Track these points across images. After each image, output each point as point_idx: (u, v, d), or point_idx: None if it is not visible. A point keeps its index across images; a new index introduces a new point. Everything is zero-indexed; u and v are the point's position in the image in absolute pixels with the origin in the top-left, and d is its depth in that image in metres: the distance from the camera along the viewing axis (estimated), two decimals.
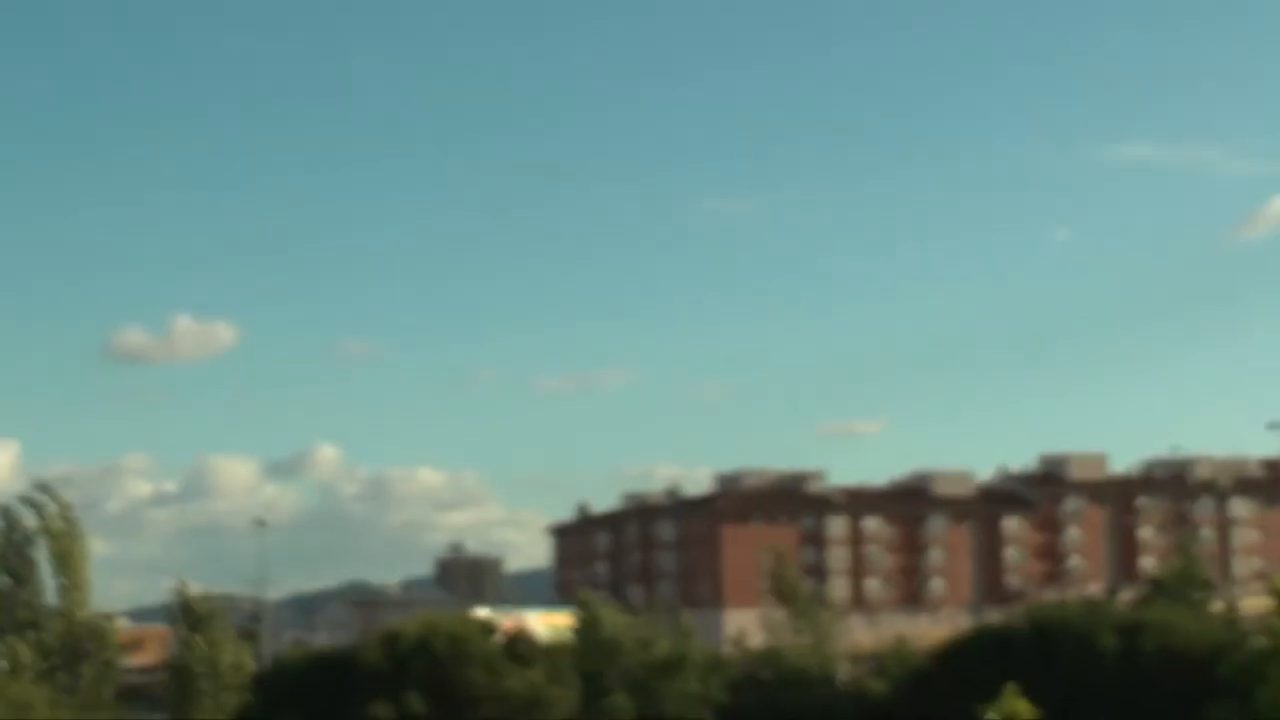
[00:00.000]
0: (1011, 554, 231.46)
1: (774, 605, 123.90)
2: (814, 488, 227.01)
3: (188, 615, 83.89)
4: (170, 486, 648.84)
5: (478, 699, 66.09)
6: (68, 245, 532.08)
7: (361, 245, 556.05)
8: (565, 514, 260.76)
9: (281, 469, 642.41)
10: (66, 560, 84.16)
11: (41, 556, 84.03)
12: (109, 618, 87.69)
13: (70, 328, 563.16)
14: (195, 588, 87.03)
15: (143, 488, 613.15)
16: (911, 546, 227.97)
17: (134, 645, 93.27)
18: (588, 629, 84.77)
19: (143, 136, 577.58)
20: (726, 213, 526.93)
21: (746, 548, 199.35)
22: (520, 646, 72.66)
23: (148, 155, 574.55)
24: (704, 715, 71.06)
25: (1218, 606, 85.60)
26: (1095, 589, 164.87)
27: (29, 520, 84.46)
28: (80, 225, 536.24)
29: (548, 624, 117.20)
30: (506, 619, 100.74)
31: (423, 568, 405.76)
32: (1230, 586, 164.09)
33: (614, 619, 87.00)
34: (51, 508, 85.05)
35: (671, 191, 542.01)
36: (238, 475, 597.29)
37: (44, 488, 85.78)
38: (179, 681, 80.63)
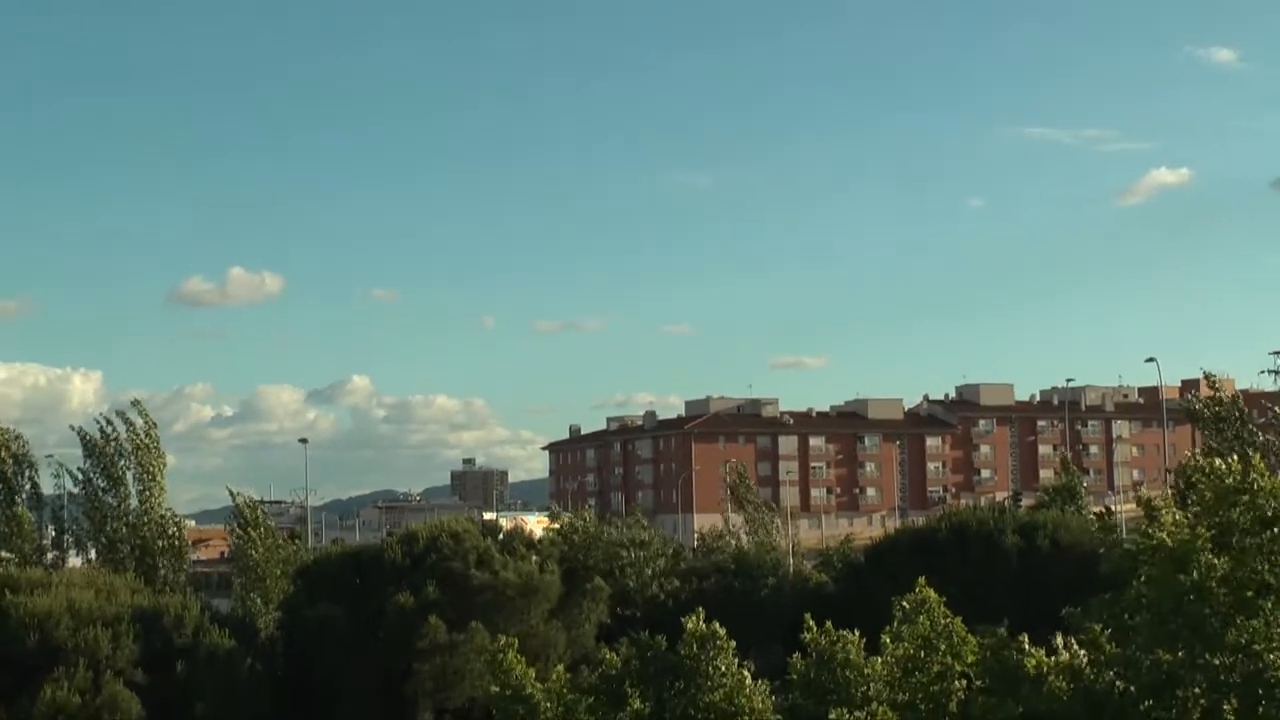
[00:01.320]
0: (933, 468, 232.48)
1: (734, 510, 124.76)
2: (768, 412, 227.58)
3: (241, 517, 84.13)
4: (228, 410, 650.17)
5: (484, 587, 66.12)
6: (141, 208, 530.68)
7: (387, 209, 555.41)
8: (559, 434, 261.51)
9: (321, 396, 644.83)
10: (147, 469, 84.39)
11: (127, 465, 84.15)
12: (181, 518, 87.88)
13: (143, 278, 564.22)
14: (249, 495, 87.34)
15: (204, 412, 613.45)
16: (850, 461, 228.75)
17: (198, 543, 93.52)
18: (569, 531, 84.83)
19: (200, 114, 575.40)
20: (691, 184, 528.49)
21: (711, 463, 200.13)
22: (514, 542, 72.64)
23: (205, 130, 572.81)
24: (674, 596, 71.07)
25: (1101, 509, 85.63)
26: (1002, 496, 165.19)
27: (118, 434, 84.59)
28: (150, 190, 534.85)
29: (544, 525, 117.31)
30: (509, 520, 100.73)
31: (440, 478, 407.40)
32: (1113, 494, 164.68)
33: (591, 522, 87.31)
34: (137, 424, 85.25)
35: (645, 167, 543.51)
36: (284, 401, 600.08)
37: (131, 408, 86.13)
38: (240, 571, 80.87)
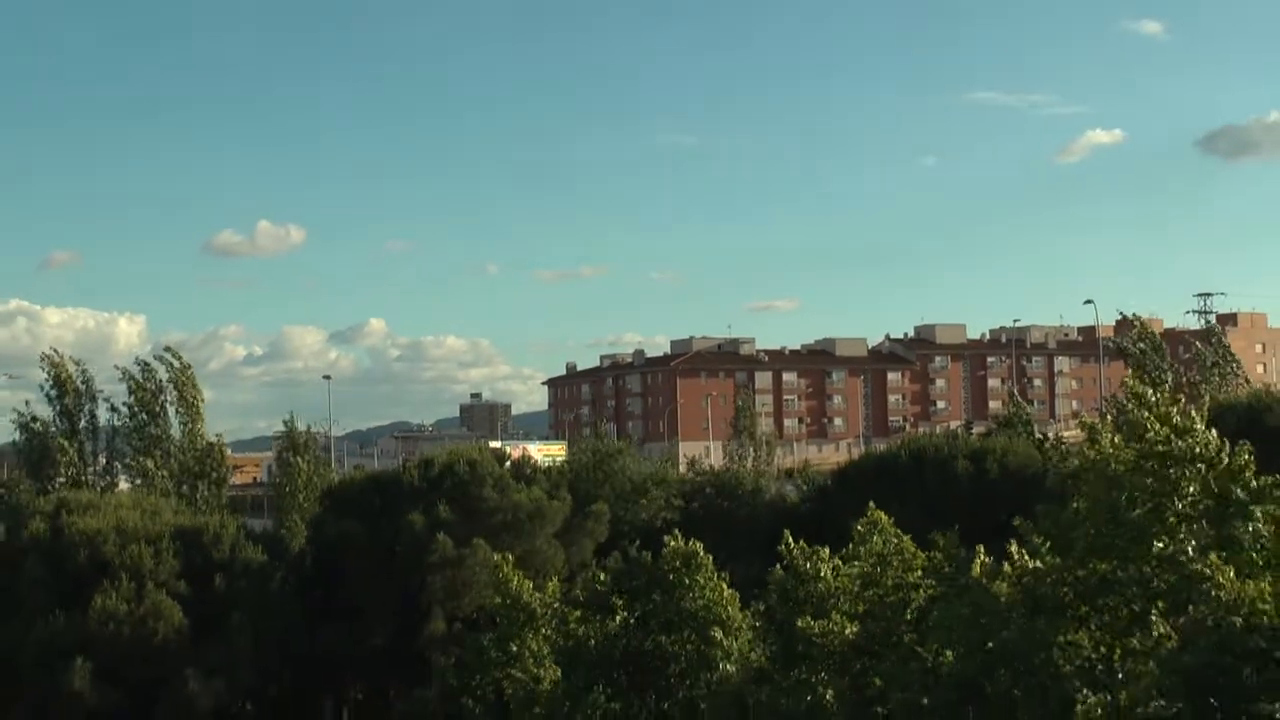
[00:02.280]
0: (894, 400, 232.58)
1: (717, 438, 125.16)
2: (745, 350, 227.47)
3: (291, 441, 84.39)
4: (258, 350, 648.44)
5: (492, 509, 66.30)
6: (178, 168, 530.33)
7: (401, 168, 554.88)
8: (557, 371, 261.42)
9: (342, 337, 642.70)
10: (188, 402, 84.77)
11: (169, 400, 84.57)
12: (224, 444, 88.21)
13: (180, 231, 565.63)
14: (278, 427, 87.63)
15: (237, 351, 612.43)
16: (819, 394, 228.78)
17: (233, 469, 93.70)
18: (577, 455, 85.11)
19: (228, 81, 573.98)
20: (677, 144, 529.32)
21: (695, 396, 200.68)
22: (524, 469, 72.82)
23: (235, 95, 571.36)
24: (664, 518, 71.41)
25: (1041, 437, 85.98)
26: (955, 425, 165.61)
27: (161, 372, 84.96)
28: (186, 151, 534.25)
29: (545, 453, 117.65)
30: (513, 449, 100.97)
31: (450, 411, 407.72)
32: (1055, 423, 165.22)
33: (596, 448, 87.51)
34: (176, 363, 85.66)
35: (636, 129, 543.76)
36: (308, 342, 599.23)
37: (170, 349, 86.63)
38: (278, 492, 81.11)
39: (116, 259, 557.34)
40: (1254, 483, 27.31)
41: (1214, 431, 28.47)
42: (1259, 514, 26.96)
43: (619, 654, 48.92)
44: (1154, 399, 28.78)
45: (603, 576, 51.24)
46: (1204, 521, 27.66)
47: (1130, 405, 29.55)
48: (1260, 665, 23.86)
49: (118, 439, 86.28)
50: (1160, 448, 27.91)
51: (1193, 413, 28.98)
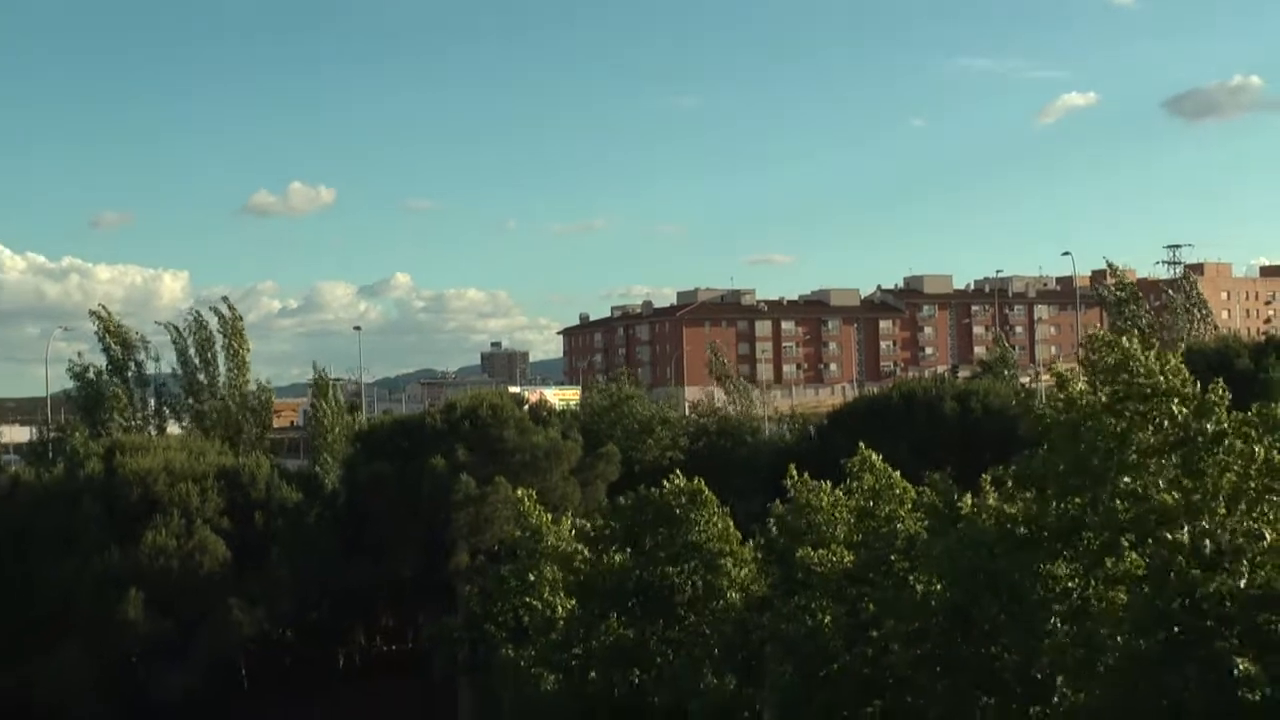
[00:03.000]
0: (885, 346, 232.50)
1: (718, 384, 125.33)
2: (746, 301, 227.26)
3: (318, 388, 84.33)
4: (292, 303, 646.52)
5: (511, 450, 66.34)
6: (216, 133, 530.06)
7: (423, 131, 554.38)
8: (571, 320, 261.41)
9: (370, 290, 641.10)
10: (235, 351, 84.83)
11: (218, 348, 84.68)
12: (270, 390, 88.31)
13: (219, 193, 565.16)
14: (311, 375, 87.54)
15: (272, 304, 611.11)
16: (815, 341, 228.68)
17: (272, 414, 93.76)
18: (592, 401, 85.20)
19: (263, 50, 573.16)
20: (681, 106, 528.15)
21: (699, 343, 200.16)
22: (541, 412, 72.89)
23: (267, 62, 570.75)
24: (670, 457, 71.46)
25: (1020, 384, 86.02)
26: (942, 369, 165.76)
27: (213, 322, 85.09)
28: (223, 117, 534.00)
29: (560, 397, 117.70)
30: (531, 394, 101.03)
31: (472, 359, 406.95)
32: (1035, 367, 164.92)
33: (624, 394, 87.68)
34: (228, 314, 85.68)
35: (642, 91, 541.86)
36: (339, 295, 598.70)
37: (226, 299, 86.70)
38: (313, 434, 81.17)
39: (161, 219, 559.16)
40: (1224, 419, 27.24)
41: (1185, 369, 28.50)
42: (1227, 448, 26.91)
43: (630, 585, 49.05)
44: (1132, 341, 28.78)
45: (620, 511, 51.37)
46: (1173, 456, 27.63)
47: (1104, 349, 29.45)
48: (1218, 606, 23.80)
49: (167, 385, 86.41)
50: (1140, 381, 27.85)
51: (1169, 355, 28.97)
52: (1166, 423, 27.74)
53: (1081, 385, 29.21)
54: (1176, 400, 27.71)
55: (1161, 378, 27.89)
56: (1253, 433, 26.76)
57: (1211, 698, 23.44)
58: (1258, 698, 22.91)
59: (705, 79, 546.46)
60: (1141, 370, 28.02)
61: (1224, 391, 27.75)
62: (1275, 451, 26.52)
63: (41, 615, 59.37)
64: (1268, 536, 24.43)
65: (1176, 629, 24.11)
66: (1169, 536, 25.39)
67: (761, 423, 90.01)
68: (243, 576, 61.44)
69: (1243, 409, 27.68)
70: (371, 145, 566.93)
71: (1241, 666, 22.88)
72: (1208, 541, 25.01)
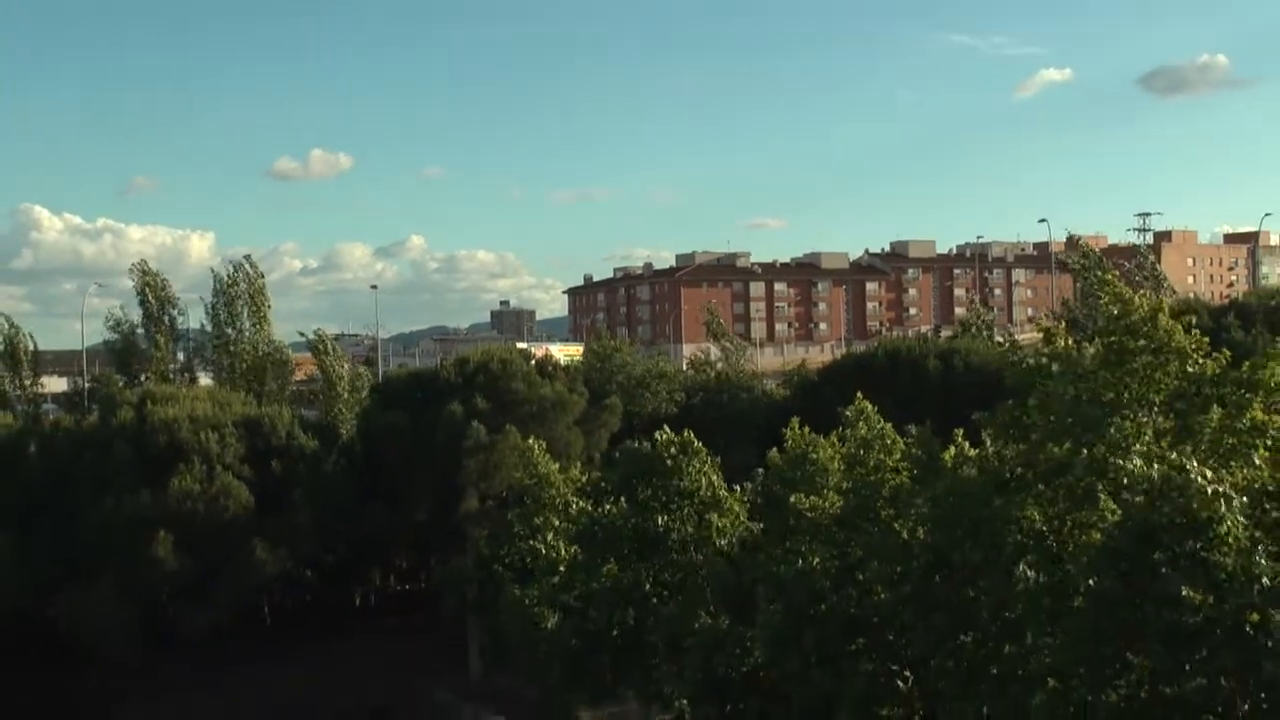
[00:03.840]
0: (871, 306, 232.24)
1: (713, 341, 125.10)
2: (741, 263, 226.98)
3: (318, 347, 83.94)
4: (313, 263, 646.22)
5: (520, 401, 66.27)
6: (242, 103, 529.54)
7: (436, 104, 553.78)
8: (576, 281, 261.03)
9: (386, 251, 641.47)
10: (258, 308, 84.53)
11: (241, 305, 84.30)
12: (286, 347, 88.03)
13: (244, 158, 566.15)
14: (331, 330, 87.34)
15: (294, 264, 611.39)
16: (806, 302, 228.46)
17: (295, 366, 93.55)
18: (594, 355, 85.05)
19: (286, 24, 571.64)
20: (678, 83, 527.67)
21: (696, 303, 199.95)
22: (548, 366, 72.76)
23: (290, 35, 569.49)
24: (667, 410, 71.45)
25: (1005, 337, 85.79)
26: (925, 329, 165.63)
27: (240, 282, 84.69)
28: (248, 88, 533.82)
29: (565, 353, 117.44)
30: (538, 349, 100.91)
31: (482, 316, 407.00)
32: (1012, 327, 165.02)
33: (616, 348, 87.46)
34: (251, 272, 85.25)
35: (639, 68, 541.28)
36: (357, 256, 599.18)
37: (248, 258, 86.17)
38: (327, 388, 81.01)
39: (190, 183, 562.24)
40: (1218, 378, 27.23)
41: (1190, 328, 28.49)
42: (1219, 408, 26.90)
43: (627, 531, 49.12)
44: (1136, 298, 28.77)
45: (619, 462, 51.41)
46: (1168, 413, 27.62)
47: (1109, 303, 29.34)
48: (1176, 545, 23.83)
49: (195, 339, 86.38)
50: (1144, 335, 27.82)
51: (1164, 303, 28.97)
52: (1165, 376, 27.71)
53: (1069, 341, 29.20)
54: (1180, 357, 27.70)
55: (1166, 334, 27.87)
56: (1244, 393, 26.71)
57: (1163, 626, 23.46)
58: (1205, 624, 23.10)
59: (701, 54, 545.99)
60: (1148, 325, 27.96)
61: (1227, 355, 27.74)
62: (1262, 412, 26.59)
63: (79, 554, 59.50)
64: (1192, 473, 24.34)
65: (1132, 567, 24.21)
66: (1144, 487, 25.30)
67: (757, 379, 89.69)
68: (264, 520, 61.45)
69: None
70: (388, 116, 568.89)
71: (1186, 594, 23.00)
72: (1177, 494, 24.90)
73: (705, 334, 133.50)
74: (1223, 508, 23.52)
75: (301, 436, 66.33)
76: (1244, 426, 26.42)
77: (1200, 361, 27.75)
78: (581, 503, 51.63)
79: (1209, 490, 23.69)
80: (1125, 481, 25.87)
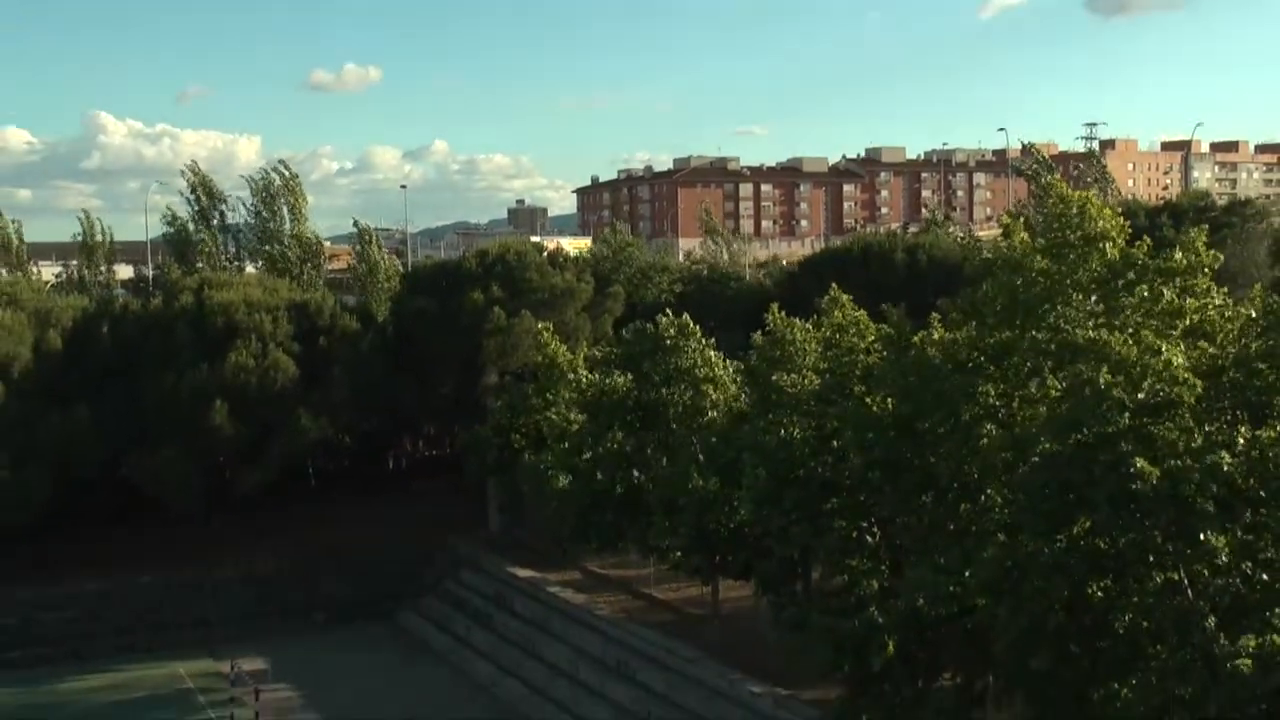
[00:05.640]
0: (848, 206, 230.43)
1: (705, 237, 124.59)
2: (731, 167, 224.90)
3: (363, 237, 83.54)
4: (348, 165, 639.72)
5: (534, 289, 66.12)
6: (284, 18, 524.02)
7: (455, 21, 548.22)
8: (584, 181, 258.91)
9: (414, 154, 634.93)
10: (296, 205, 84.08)
11: (280, 203, 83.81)
12: (321, 238, 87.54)
13: (286, 71, 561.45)
14: (367, 224, 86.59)
15: (331, 166, 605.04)
16: (789, 202, 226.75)
17: (331, 257, 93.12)
18: (606, 247, 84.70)
19: None
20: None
21: (692, 202, 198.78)
22: (559, 258, 72.47)
23: None
24: (665, 298, 71.22)
25: (964, 235, 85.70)
26: (895, 226, 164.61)
27: (276, 181, 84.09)
28: (288, 3, 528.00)
29: (574, 246, 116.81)
30: (550, 243, 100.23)
31: (500, 213, 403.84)
32: (972, 224, 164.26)
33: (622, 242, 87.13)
34: (287, 173, 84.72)
35: None
36: (387, 158, 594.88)
37: (283, 162, 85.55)
38: (369, 274, 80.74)
39: (238, 92, 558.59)
40: (1140, 265, 27.23)
41: (1121, 220, 28.56)
42: (1141, 289, 26.93)
43: (630, 403, 49.35)
44: (1077, 193, 28.85)
45: (623, 342, 51.52)
46: (1096, 296, 27.64)
47: (1054, 201, 29.31)
48: (1118, 411, 23.96)
49: (243, 233, 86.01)
50: (1076, 226, 27.86)
51: (1105, 206, 28.95)
52: (1096, 263, 27.74)
53: (1024, 236, 29.16)
54: (1108, 244, 27.73)
55: (1097, 223, 27.86)
56: (1159, 280, 26.77)
57: (1110, 489, 23.75)
58: (1149, 490, 23.26)
59: None
60: (1079, 216, 27.95)
61: (1149, 243, 27.73)
62: (1176, 296, 26.62)
63: (147, 421, 59.81)
64: (1165, 353, 24.34)
65: (1086, 434, 24.31)
66: (1083, 367, 25.35)
67: (744, 269, 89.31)
68: (309, 392, 61.69)
69: None
70: (412, 32, 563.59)
71: (1138, 465, 23.11)
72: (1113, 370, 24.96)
73: (700, 230, 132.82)
74: (1184, 393, 23.60)
75: (343, 318, 66.32)
76: (1162, 309, 26.49)
77: (1120, 245, 27.82)
78: (591, 377, 51.80)
79: (1170, 366, 23.79)
80: (1087, 351, 25.82)
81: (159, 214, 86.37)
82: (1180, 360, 24.08)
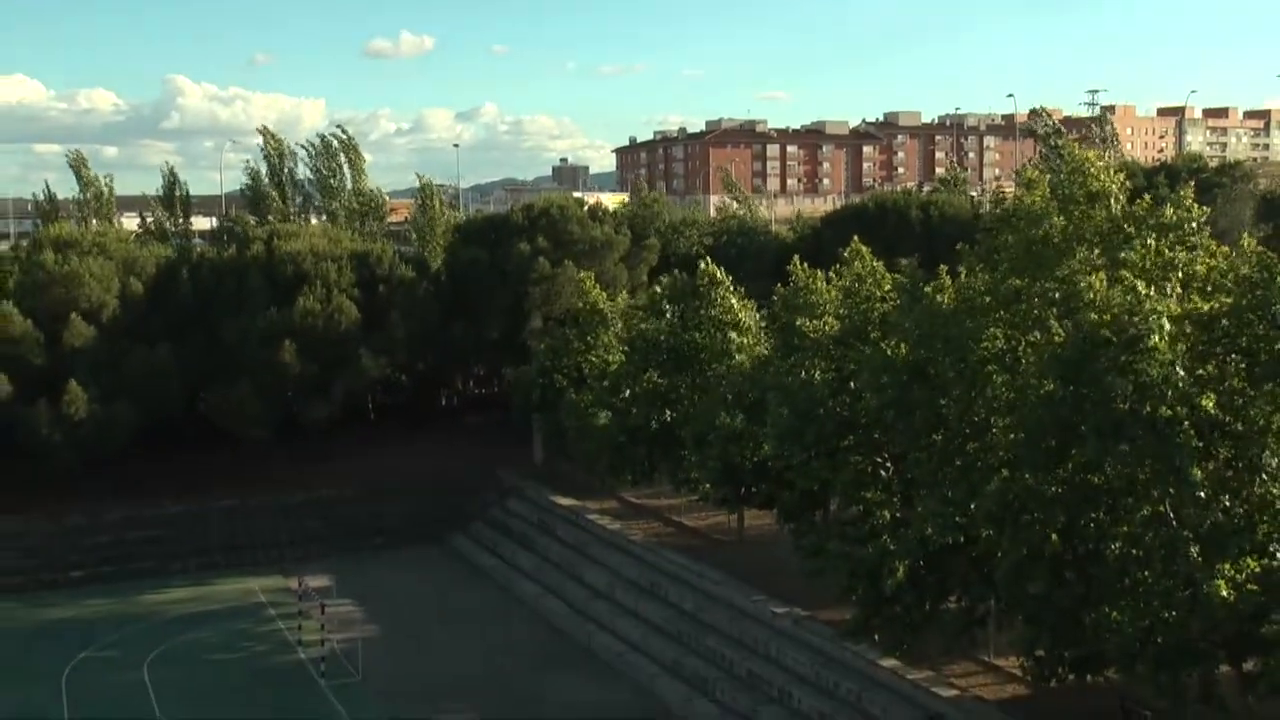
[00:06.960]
0: (867, 166, 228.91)
1: (725, 192, 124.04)
2: (760, 129, 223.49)
3: (425, 191, 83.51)
4: (404, 126, 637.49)
5: (576, 240, 66.10)
6: None
7: None
8: (622, 142, 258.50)
9: (465, 116, 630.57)
10: (355, 163, 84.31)
11: (342, 160, 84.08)
12: (383, 193, 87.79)
13: (347, 38, 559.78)
14: (427, 179, 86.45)
15: (389, 127, 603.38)
16: (813, 162, 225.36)
17: (391, 210, 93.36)
18: (640, 204, 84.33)
19: None
20: None
21: (723, 161, 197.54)
22: (598, 212, 72.29)
23: None
24: (696, 250, 70.99)
25: (975, 195, 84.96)
26: (910, 185, 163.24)
27: (335, 143, 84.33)
28: None
29: (613, 201, 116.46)
30: (590, 198, 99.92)
31: (544, 171, 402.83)
32: (982, 184, 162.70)
33: (652, 198, 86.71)
34: (345, 135, 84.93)
35: None
36: (441, 120, 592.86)
37: (340, 126, 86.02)
38: (425, 224, 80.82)
39: (303, 59, 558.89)
40: (1139, 219, 27.09)
41: (1121, 176, 28.40)
42: (1143, 242, 26.76)
43: (665, 345, 49.39)
44: (1076, 159, 28.65)
45: (658, 290, 51.50)
46: (1100, 249, 27.49)
47: (1063, 165, 29.12)
48: (1110, 353, 23.89)
49: (308, 188, 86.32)
50: (1087, 184, 27.72)
51: (1112, 168, 28.76)
52: (1100, 217, 27.62)
53: (1044, 192, 28.95)
54: (1111, 200, 27.62)
55: (1101, 182, 27.73)
56: (1155, 235, 26.61)
57: (1097, 422, 23.82)
58: (1128, 414, 23.42)
59: None
60: (1084, 176, 27.83)
61: (1149, 200, 27.55)
62: (1166, 247, 26.55)
63: (222, 360, 60.29)
64: (1143, 298, 24.26)
65: (1077, 371, 24.41)
66: (1090, 315, 25.22)
67: (770, 224, 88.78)
68: (369, 334, 62.01)
69: None
70: (464, 3, 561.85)
71: (1114, 382, 23.27)
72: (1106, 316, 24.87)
73: (721, 187, 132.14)
74: (1153, 327, 23.60)
75: (401, 267, 66.49)
76: (1159, 262, 26.39)
77: (1120, 200, 27.73)
78: (629, 322, 51.88)
79: (1148, 309, 23.77)
80: (1085, 300, 25.76)
81: (232, 170, 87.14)
82: (1160, 306, 23.98)
